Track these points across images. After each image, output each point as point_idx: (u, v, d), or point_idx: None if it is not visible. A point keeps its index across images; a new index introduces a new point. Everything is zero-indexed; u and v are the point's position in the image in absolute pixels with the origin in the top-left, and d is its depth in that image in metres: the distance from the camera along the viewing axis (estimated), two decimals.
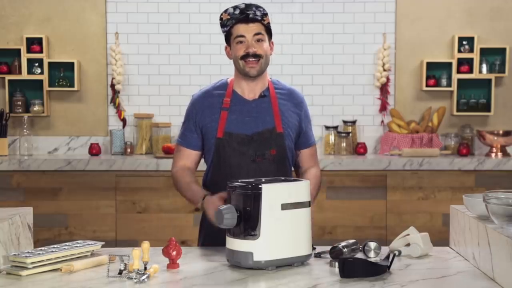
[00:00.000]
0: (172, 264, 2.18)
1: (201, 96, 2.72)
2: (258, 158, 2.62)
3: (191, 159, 2.72)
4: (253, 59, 2.60)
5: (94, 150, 4.99)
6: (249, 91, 2.68)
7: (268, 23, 2.65)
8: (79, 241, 2.33)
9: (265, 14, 2.64)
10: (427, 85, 5.20)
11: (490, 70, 5.22)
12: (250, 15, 2.60)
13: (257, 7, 2.63)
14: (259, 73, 2.63)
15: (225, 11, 2.63)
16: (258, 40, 2.61)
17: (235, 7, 2.62)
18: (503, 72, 5.20)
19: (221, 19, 2.65)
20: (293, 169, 2.80)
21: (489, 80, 5.19)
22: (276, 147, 2.64)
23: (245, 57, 2.60)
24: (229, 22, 2.63)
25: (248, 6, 2.62)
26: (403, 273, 2.14)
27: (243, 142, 2.62)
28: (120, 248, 2.60)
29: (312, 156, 2.79)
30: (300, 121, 2.72)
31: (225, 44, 2.71)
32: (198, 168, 2.78)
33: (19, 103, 5.14)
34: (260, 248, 2.13)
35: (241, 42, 2.61)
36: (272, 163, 2.63)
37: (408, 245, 2.37)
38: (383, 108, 5.25)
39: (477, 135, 5.13)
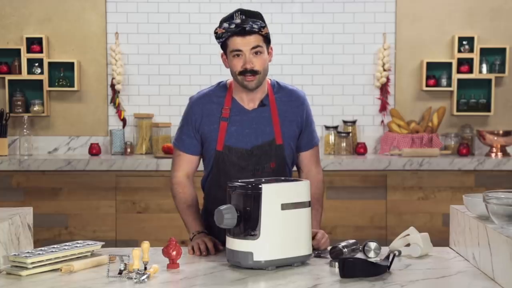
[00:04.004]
0: (172, 264, 2.19)
1: (200, 101, 2.63)
2: (258, 172, 2.59)
3: (191, 165, 2.67)
4: (250, 75, 2.50)
5: (94, 150, 4.99)
6: (249, 100, 2.61)
7: (267, 33, 2.52)
8: (79, 241, 2.33)
9: (263, 27, 2.50)
10: (427, 85, 5.20)
11: (490, 70, 5.22)
12: (247, 28, 2.46)
13: (254, 21, 2.47)
14: (257, 85, 2.54)
15: (220, 26, 2.50)
16: (256, 53, 2.49)
17: (230, 22, 2.47)
18: (503, 72, 5.20)
19: (215, 33, 2.53)
20: (295, 168, 2.79)
21: (489, 80, 5.19)
22: (275, 160, 2.61)
23: (242, 72, 2.50)
24: (225, 35, 2.50)
25: (245, 20, 2.46)
26: (403, 273, 2.14)
27: (243, 156, 2.59)
28: (120, 248, 2.60)
29: (314, 158, 2.75)
30: (300, 125, 2.67)
31: (221, 52, 2.59)
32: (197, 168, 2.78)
33: (19, 103, 5.14)
34: (260, 248, 2.13)
35: (238, 55, 2.49)
36: (271, 174, 2.60)
37: (408, 245, 2.37)
38: (383, 108, 5.25)
39: (477, 135, 5.13)
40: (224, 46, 2.55)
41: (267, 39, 2.53)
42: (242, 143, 2.59)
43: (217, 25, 2.56)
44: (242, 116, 2.60)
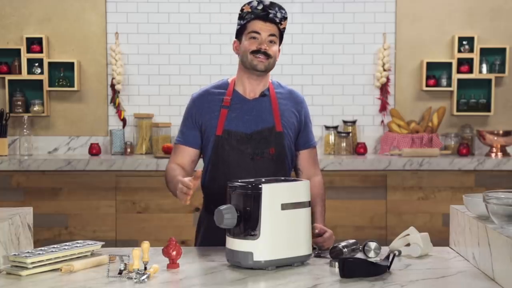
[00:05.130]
0: (172, 264, 2.19)
1: (201, 94, 2.72)
2: (257, 157, 2.62)
3: (187, 156, 2.68)
4: (263, 56, 2.59)
5: (94, 150, 4.99)
6: (250, 90, 2.68)
7: (284, 28, 2.65)
8: (79, 241, 2.33)
9: (285, 18, 2.63)
10: (427, 85, 5.20)
11: (490, 70, 5.22)
12: (271, 15, 2.60)
13: (280, 8, 2.63)
14: (266, 69, 2.62)
15: (248, 3, 2.62)
16: (271, 41, 2.61)
17: (259, 2, 2.61)
18: (503, 72, 5.20)
19: (241, 10, 2.64)
20: (293, 171, 2.80)
21: (489, 80, 5.19)
22: (275, 146, 2.64)
23: (255, 52, 2.59)
24: (248, 16, 2.62)
25: (272, 4, 2.62)
26: (403, 273, 2.14)
27: (242, 140, 2.62)
28: (120, 248, 2.60)
29: (312, 159, 2.77)
30: (299, 121, 2.72)
31: (234, 39, 2.69)
32: (196, 167, 2.77)
33: (19, 103, 5.14)
34: (260, 248, 2.13)
35: (254, 38, 2.60)
36: (271, 162, 2.63)
37: (408, 245, 2.37)
38: (383, 108, 5.25)
39: (477, 135, 5.13)
40: (241, 29, 2.65)
41: (281, 35, 2.67)
42: (242, 128, 2.63)
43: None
44: (243, 105, 2.67)
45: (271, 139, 2.64)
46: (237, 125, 2.63)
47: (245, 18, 2.63)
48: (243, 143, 2.62)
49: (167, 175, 2.67)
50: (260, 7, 2.60)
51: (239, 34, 2.67)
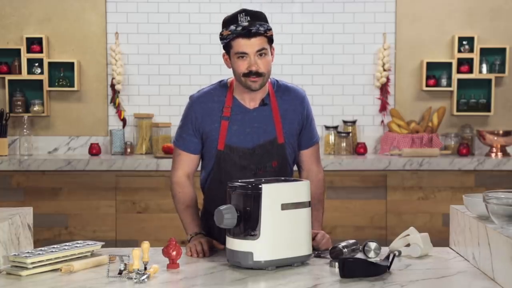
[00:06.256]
0: (172, 264, 2.19)
1: (201, 99, 2.61)
2: (260, 171, 2.57)
3: (191, 164, 2.65)
4: (255, 76, 2.47)
5: (94, 150, 4.99)
6: (250, 99, 2.59)
7: (271, 35, 2.50)
8: (79, 241, 2.34)
9: (269, 29, 2.48)
10: (427, 85, 5.20)
11: (490, 70, 5.22)
12: (253, 30, 2.43)
13: (261, 24, 2.45)
14: (262, 86, 2.52)
15: (227, 27, 2.48)
16: (261, 55, 2.47)
17: (237, 25, 2.44)
18: (503, 72, 5.20)
19: (221, 34, 2.51)
20: (295, 168, 2.78)
21: (489, 80, 5.19)
22: (277, 159, 2.59)
23: (247, 74, 2.47)
24: (229, 36, 2.47)
25: (252, 23, 2.44)
26: (403, 273, 2.14)
27: (245, 155, 2.57)
28: (120, 248, 2.61)
29: (314, 157, 2.73)
30: (302, 120, 2.66)
31: (223, 52, 2.57)
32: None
33: (19, 103, 5.14)
34: (260, 248, 2.13)
35: (242, 57, 2.46)
36: (273, 174, 2.58)
37: (408, 245, 2.38)
38: (383, 108, 5.25)
39: (477, 135, 5.13)
40: (227, 47, 2.52)
41: (270, 40, 2.51)
42: (244, 142, 2.57)
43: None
44: (244, 115, 2.58)
45: (273, 152, 2.58)
46: (239, 139, 2.56)
47: (226, 38, 2.48)
48: (245, 158, 2.57)
49: (177, 192, 2.63)
50: (239, 28, 2.44)
51: (227, 49, 2.53)
